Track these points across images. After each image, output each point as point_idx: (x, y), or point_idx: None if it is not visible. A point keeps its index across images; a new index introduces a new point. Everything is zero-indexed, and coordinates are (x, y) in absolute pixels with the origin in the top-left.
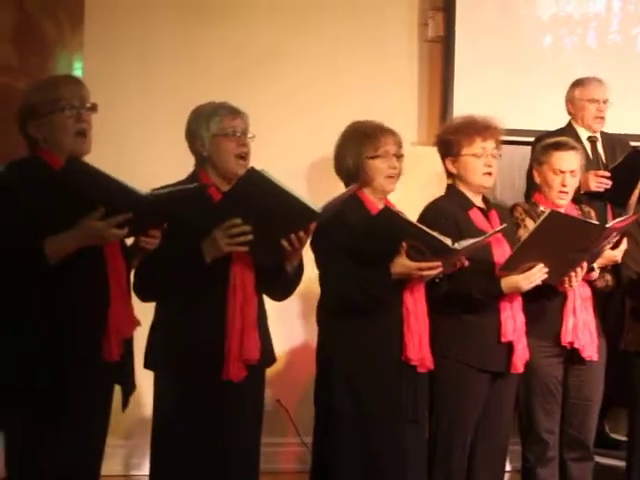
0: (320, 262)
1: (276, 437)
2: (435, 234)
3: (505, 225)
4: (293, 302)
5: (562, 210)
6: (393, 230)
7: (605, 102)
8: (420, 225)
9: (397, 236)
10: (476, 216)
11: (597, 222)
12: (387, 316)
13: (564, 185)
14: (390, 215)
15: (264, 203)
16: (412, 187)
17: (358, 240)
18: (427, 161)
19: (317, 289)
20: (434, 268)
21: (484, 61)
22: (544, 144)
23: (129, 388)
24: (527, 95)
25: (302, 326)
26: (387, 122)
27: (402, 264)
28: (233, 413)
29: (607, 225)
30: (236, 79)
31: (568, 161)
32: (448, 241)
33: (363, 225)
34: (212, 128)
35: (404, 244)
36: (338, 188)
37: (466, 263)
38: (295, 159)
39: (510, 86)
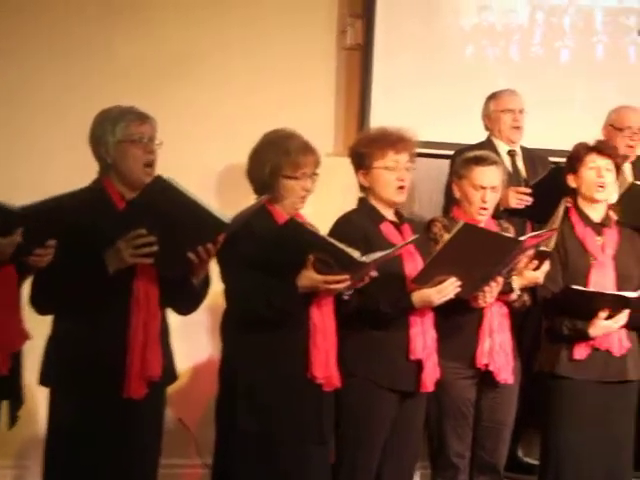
0: (225, 274)
1: (177, 458)
2: (342, 246)
3: (415, 237)
4: (199, 316)
5: (481, 225)
6: (299, 242)
7: (521, 112)
8: (327, 237)
9: (303, 248)
10: (388, 230)
11: (511, 235)
12: (293, 331)
13: (484, 201)
14: (296, 226)
15: (170, 213)
16: (327, 199)
17: (265, 252)
18: (343, 172)
19: (224, 303)
20: (341, 281)
21: (404, 71)
22: (464, 158)
23: (17, 403)
24: (448, 107)
25: (207, 341)
26: (302, 131)
27: (308, 277)
28: (132, 433)
29: (521, 239)
30: (150, 82)
31: (489, 176)
32: (356, 254)
33: (270, 237)
34: (118, 134)
35: (311, 256)
36: (250, 199)
37: (374, 274)
38: (206, 167)
39: (430, 97)
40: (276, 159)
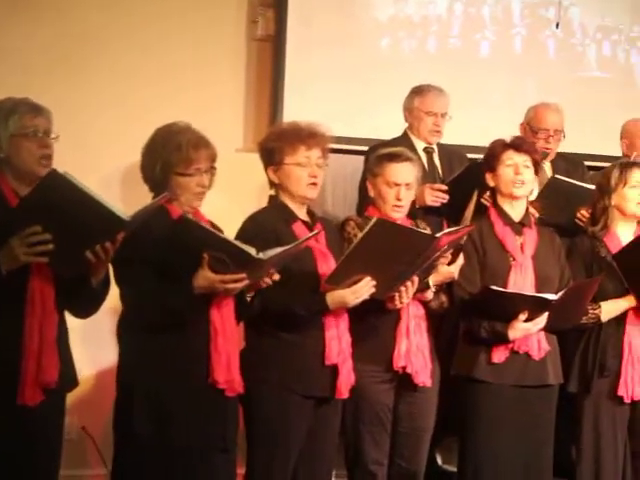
0: (121, 275)
1: (80, 468)
2: (237, 243)
3: (317, 231)
4: (101, 319)
5: None
6: (193, 240)
7: (443, 116)
8: (220, 234)
9: (198, 246)
10: (300, 230)
11: (427, 232)
12: (192, 334)
13: (399, 199)
14: (188, 224)
15: (67, 209)
16: (236, 196)
17: (160, 252)
18: (253, 169)
19: None
20: (239, 281)
21: (317, 63)
22: (378, 155)
23: None
24: (363, 101)
25: (111, 346)
26: (211, 126)
27: (204, 277)
28: (27, 441)
29: (437, 235)
30: (49, 74)
31: (403, 173)
32: (252, 250)
33: (165, 235)
34: (10, 127)
35: (206, 255)
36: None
37: (276, 277)
38: (109, 163)
39: (345, 91)
40: (167, 155)
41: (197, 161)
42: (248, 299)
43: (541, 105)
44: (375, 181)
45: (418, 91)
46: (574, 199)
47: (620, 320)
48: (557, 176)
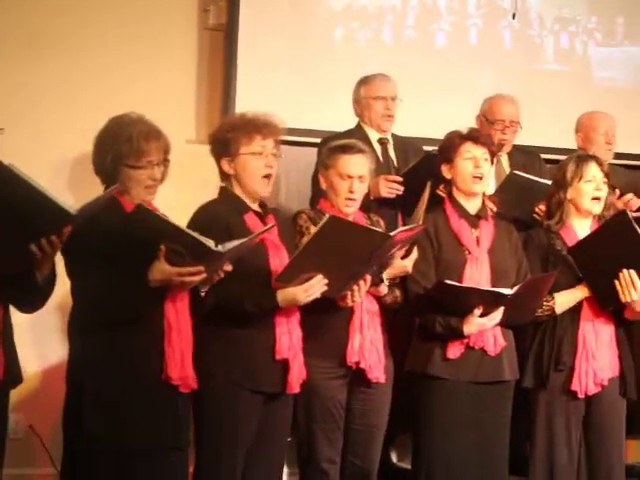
0: (72, 269)
1: (28, 468)
2: (195, 235)
3: (273, 224)
4: (49, 315)
5: (350, 218)
6: (149, 231)
7: (393, 99)
8: (178, 225)
9: (154, 238)
10: (252, 221)
11: (381, 230)
12: (146, 329)
13: (352, 191)
14: (144, 214)
15: (10, 202)
16: (188, 189)
17: (114, 245)
18: (205, 160)
19: None
20: (196, 273)
21: (270, 53)
22: (330, 147)
23: None
24: (316, 92)
25: (59, 342)
26: (162, 117)
27: (161, 269)
28: None
29: (391, 233)
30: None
31: (356, 165)
32: (210, 243)
33: (118, 227)
34: None
35: (162, 247)
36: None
37: (229, 268)
38: (58, 156)
39: (298, 81)
40: (118, 147)
41: (148, 153)
42: (202, 294)
43: (496, 96)
44: (327, 173)
45: (363, 80)
46: (532, 194)
47: (574, 315)
48: (516, 172)
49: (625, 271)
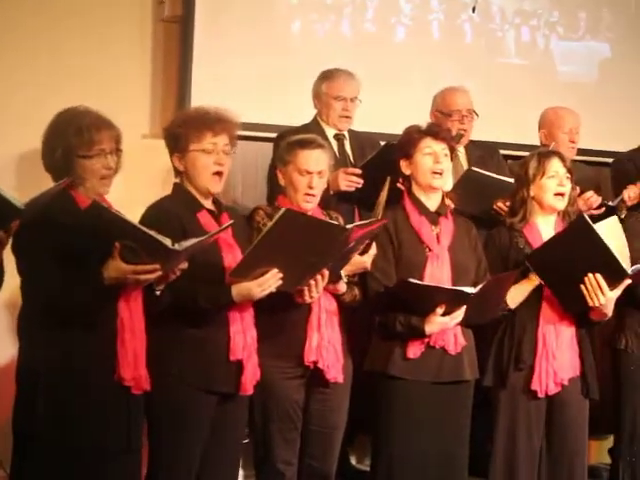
0: (22, 266)
1: None
2: (152, 233)
3: (230, 222)
4: None
5: (309, 214)
6: (104, 228)
7: (353, 100)
8: (135, 223)
9: (109, 235)
10: (205, 219)
11: (337, 223)
12: (99, 329)
13: (311, 187)
14: (100, 210)
15: None
16: (143, 184)
17: (67, 240)
18: (161, 155)
19: None
20: (152, 272)
21: (227, 46)
22: (289, 142)
23: None
24: (274, 85)
25: (7, 340)
26: (116, 111)
27: (116, 267)
28: None
29: (348, 227)
30: None
31: (315, 160)
32: (167, 241)
33: (72, 223)
34: None
35: (117, 244)
36: (51, 183)
37: (184, 265)
38: (5, 152)
39: (255, 75)
40: (67, 139)
41: (100, 142)
42: (157, 292)
43: (447, 89)
44: (286, 169)
45: (326, 76)
46: (490, 191)
47: (534, 314)
48: (473, 168)
49: (591, 276)
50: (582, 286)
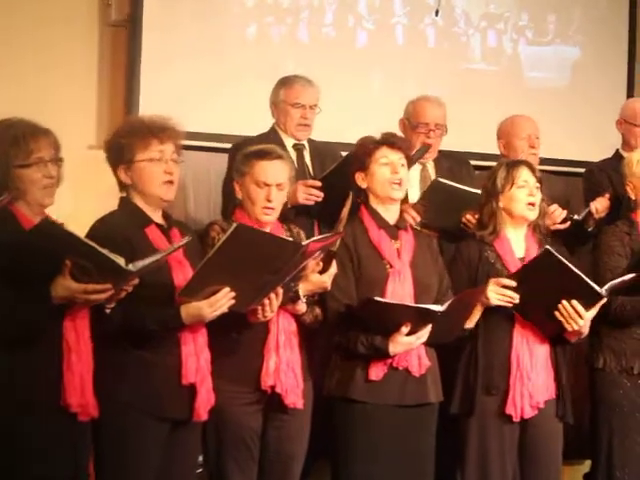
0: None
1: None
2: (105, 252)
3: (189, 238)
4: None
5: (267, 229)
6: (54, 245)
7: (312, 108)
8: (87, 241)
9: (59, 252)
10: (154, 234)
11: (292, 239)
12: (43, 351)
13: (269, 200)
14: (51, 227)
15: None
16: (90, 198)
17: (10, 259)
18: (109, 167)
19: None
20: (103, 292)
21: (177, 51)
22: (246, 152)
23: None
24: (228, 93)
25: None
26: (60, 121)
27: (65, 286)
28: None
29: (303, 243)
30: None
31: (274, 172)
32: (121, 261)
33: (16, 242)
34: None
35: (68, 262)
36: None
37: (135, 281)
38: None
39: (207, 82)
40: (3, 150)
41: (37, 150)
42: (108, 311)
43: (421, 99)
44: (243, 181)
45: (284, 82)
46: (458, 202)
47: (506, 335)
48: (440, 179)
49: (565, 303)
50: (557, 313)
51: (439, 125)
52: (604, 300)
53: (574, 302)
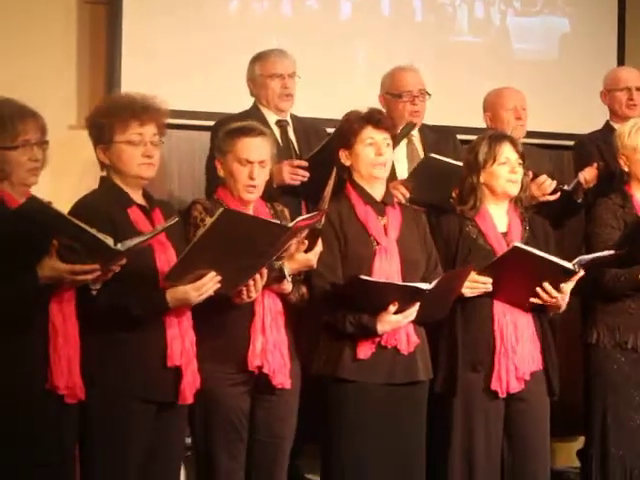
0: None
1: None
2: (93, 231)
3: (175, 219)
4: None
5: (250, 207)
6: (41, 225)
7: (291, 76)
8: (76, 220)
9: (46, 232)
10: (136, 215)
11: (279, 221)
12: (28, 333)
13: (252, 178)
14: (38, 207)
15: None
16: (71, 179)
17: None
18: (90, 147)
19: None
20: (91, 272)
21: (158, 27)
22: (227, 130)
23: None
24: (211, 70)
25: None
26: (40, 101)
27: (52, 266)
28: None
29: (290, 225)
30: None
31: (256, 149)
32: (109, 241)
33: (1, 221)
34: None
35: (55, 242)
36: None
37: (124, 261)
38: None
39: (190, 59)
40: None
41: (24, 132)
42: (94, 292)
43: (396, 69)
44: (225, 159)
45: (257, 57)
46: (448, 178)
47: (486, 310)
48: (432, 155)
49: (539, 290)
50: (532, 298)
51: (422, 90)
52: (581, 273)
53: (546, 285)
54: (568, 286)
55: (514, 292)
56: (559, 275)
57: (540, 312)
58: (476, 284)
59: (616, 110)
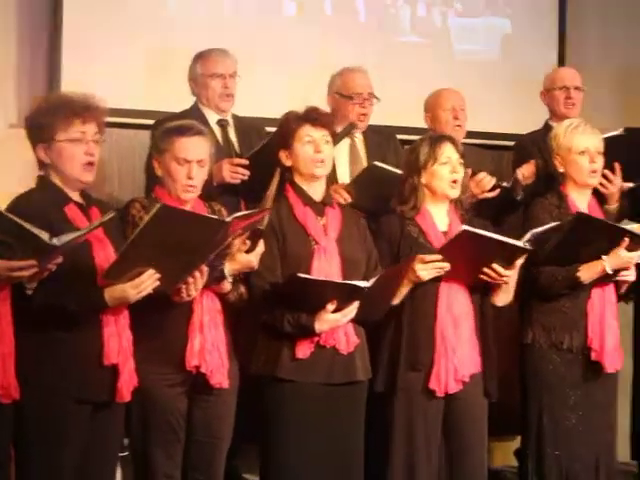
0: None
1: None
2: (28, 226)
3: (112, 214)
4: None
5: (188, 207)
6: None
7: (232, 76)
8: (10, 215)
9: None
10: (73, 213)
11: (217, 217)
12: None
13: (190, 177)
14: None
15: None
16: (11, 178)
17: None
18: (30, 146)
19: None
20: (27, 268)
21: (101, 20)
22: (165, 129)
23: None
24: (152, 68)
25: None
26: None
27: None
28: None
29: (227, 219)
30: None
31: (194, 149)
32: (44, 235)
33: None
34: None
35: None
36: None
37: (60, 260)
38: None
39: (132, 57)
40: None
41: None
42: (29, 292)
43: (346, 70)
44: (162, 158)
45: (199, 56)
46: (390, 185)
47: (429, 309)
48: (376, 163)
49: (487, 270)
50: (482, 276)
51: (371, 94)
52: (529, 249)
53: (494, 265)
54: (518, 262)
55: (463, 276)
56: (510, 256)
57: (485, 295)
58: (432, 266)
59: (555, 110)
